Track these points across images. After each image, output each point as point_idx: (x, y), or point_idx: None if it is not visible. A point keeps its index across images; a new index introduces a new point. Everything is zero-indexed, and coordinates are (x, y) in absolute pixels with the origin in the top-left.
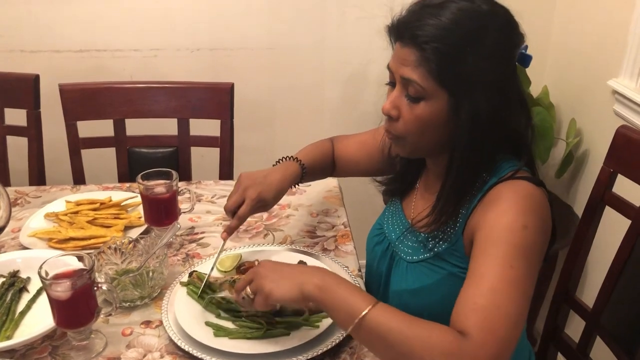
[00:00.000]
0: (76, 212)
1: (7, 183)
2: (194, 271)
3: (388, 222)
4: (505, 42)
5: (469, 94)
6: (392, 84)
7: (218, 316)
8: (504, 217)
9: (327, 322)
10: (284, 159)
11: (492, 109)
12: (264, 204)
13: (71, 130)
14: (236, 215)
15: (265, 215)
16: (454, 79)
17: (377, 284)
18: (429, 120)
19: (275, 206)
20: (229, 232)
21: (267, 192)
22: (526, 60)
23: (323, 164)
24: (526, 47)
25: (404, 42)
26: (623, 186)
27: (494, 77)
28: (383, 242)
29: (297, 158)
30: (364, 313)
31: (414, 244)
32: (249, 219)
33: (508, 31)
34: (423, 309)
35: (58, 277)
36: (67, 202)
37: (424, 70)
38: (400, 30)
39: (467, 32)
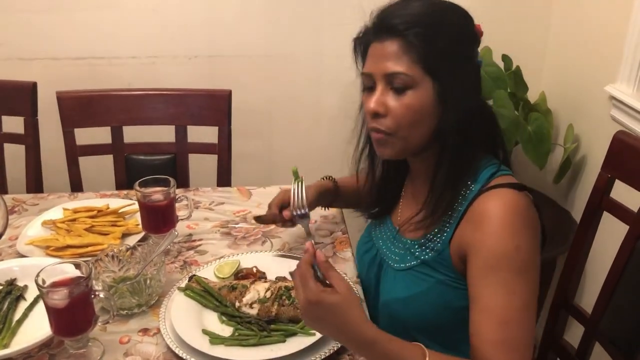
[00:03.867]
0: (74, 220)
1: (4, 190)
2: (193, 275)
3: (377, 231)
4: (468, 29)
5: (453, 79)
6: (368, 89)
7: (222, 321)
8: (495, 242)
9: None
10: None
11: (473, 94)
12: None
13: (69, 138)
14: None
15: None
16: (438, 63)
17: (366, 293)
18: (418, 108)
19: None
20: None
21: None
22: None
23: (353, 186)
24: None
25: (382, 36)
26: (621, 192)
27: (469, 63)
28: (371, 250)
29: (332, 177)
30: None
31: (400, 250)
32: (248, 226)
33: (468, 21)
34: (413, 318)
35: (55, 285)
36: (65, 209)
37: (408, 58)
38: (376, 27)
39: (438, 16)
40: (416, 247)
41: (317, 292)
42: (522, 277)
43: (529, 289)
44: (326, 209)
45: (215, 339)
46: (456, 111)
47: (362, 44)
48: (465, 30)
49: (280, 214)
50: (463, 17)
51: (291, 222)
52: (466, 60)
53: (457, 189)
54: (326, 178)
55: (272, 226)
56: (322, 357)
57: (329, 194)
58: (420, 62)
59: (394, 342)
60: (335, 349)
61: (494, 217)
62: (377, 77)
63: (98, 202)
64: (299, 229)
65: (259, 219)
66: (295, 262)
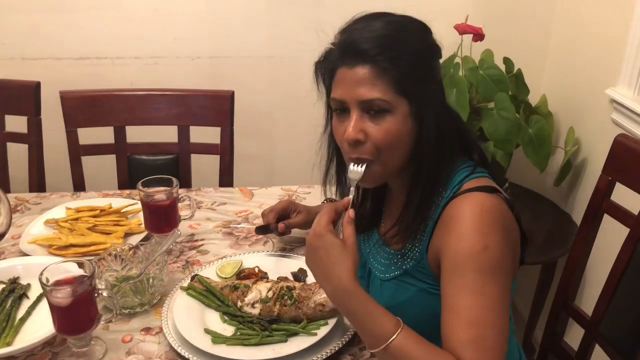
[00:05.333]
0: (76, 219)
1: (7, 190)
2: (195, 275)
3: (364, 240)
4: (431, 43)
5: (426, 96)
6: (339, 111)
7: (224, 321)
8: (463, 243)
9: (324, 329)
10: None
11: (445, 105)
12: (294, 204)
13: (71, 137)
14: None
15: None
16: (410, 83)
17: None
18: (397, 131)
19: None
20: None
21: (297, 203)
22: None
23: None
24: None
25: (351, 62)
26: (621, 194)
27: (436, 76)
28: (360, 259)
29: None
30: (391, 340)
31: (385, 260)
32: (250, 226)
33: (429, 34)
34: None
35: (59, 283)
36: (68, 208)
37: (383, 83)
38: (343, 52)
39: (402, 34)
40: (398, 257)
41: (325, 228)
42: (491, 277)
43: (499, 290)
44: None
45: (217, 338)
46: (433, 127)
47: (327, 68)
48: (429, 44)
49: (275, 224)
50: (424, 32)
51: (285, 233)
52: (433, 74)
53: (431, 202)
54: (328, 201)
55: None
56: (324, 357)
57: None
58: (394, 85)
59: (369, 302)
60: (337, 349)
61: (461, 219)
62: (351, 104)
63: (101, 202)
64: (298, 232)
65: (259, 230)
66: (297, 262)
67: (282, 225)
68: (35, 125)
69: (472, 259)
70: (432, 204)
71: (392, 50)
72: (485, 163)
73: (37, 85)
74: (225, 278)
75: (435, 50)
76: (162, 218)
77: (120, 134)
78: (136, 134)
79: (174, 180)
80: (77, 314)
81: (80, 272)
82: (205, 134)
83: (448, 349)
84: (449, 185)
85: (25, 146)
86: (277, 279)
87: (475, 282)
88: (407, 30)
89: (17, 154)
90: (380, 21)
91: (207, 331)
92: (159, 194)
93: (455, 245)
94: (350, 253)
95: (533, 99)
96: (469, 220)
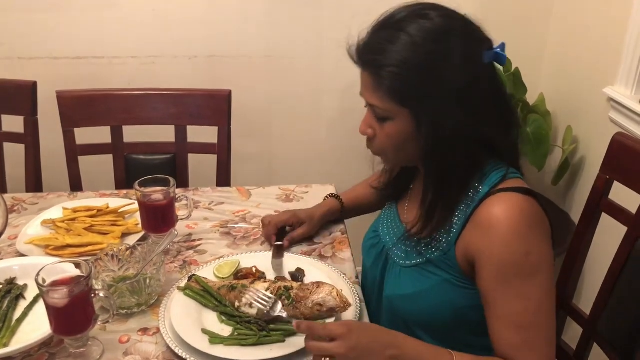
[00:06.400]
0: (73, 219)
1: (4, 190)
2: (193, 275)
3: (384, 225)
4: (467, 49)
5: (429, 109)
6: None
7: (221, 321)
8: (505, 248)
9: None
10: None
11: (455, 118)
12: (296, 217)
13: (68, 137)
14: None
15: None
16: (412, 97)
17: (371, 288)
18: (398, 137)
19: (272, 213)
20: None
21: (300, 212)
22: (501, 59)
23: (363, 199)
24: (503, 45)
25: (363, 67)
26: (619, 193)
27: (457, 86)
28: (377, 245)
29: (337, 196)
30: None
31: (407, 248)
32: (247, 226)
33: (468, 38)
34: (415, 314)
35: (55, 284)
36: (64, 209)
37: (382, 93)
38: (359, 57)
39: (426, 52)
40: (422, 245)
41: (343, 323)
42: (534, 280)
43: (543, 290)
44: None
45: (214, 339)
46: (434, 137)
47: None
48: (461, 49)
49: (274, 234)
50: (458, 37)
51: (282, 250)
52: (445, 83)
53: (454, 200)
54: (331, 196)
55: None
56: None
57: (337, 212)
58: (394, 95)
59: (423, 343)
60: None
61: (500, 224)
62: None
63: (98, 202)
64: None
65: (276, 258)
66: (295, 262)
67: (286, 243)
68: (31, 125)
69: (516, 266)
70: (456, 202)
71: (399, 67)
72: (518, 166)
73: (33, 85)
74: (223, 278)
75: (466, 57)
76: (159, 218)
77: (117, 133)
78: (133, 133)
79: (171, 180)
80: (74, 314)
81: (77, 272)
82: (202, 133)
83: (500, 352)
84: (486, 182)
85: (22, 146)
86: (275, 278)
87: (521, 288)
88: (431, 44)
89: (14, 154)
90: (408, 32)
91: (205, 331)
92: (156, 194)
93: (496, 252)
94: (364, 324)
95: (531, 97)
96: (507, 225)
